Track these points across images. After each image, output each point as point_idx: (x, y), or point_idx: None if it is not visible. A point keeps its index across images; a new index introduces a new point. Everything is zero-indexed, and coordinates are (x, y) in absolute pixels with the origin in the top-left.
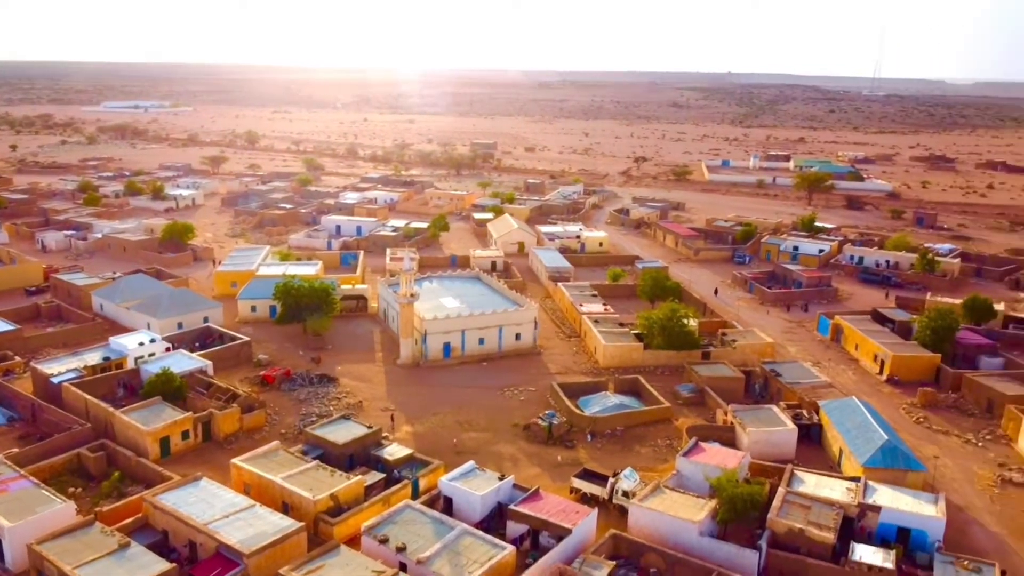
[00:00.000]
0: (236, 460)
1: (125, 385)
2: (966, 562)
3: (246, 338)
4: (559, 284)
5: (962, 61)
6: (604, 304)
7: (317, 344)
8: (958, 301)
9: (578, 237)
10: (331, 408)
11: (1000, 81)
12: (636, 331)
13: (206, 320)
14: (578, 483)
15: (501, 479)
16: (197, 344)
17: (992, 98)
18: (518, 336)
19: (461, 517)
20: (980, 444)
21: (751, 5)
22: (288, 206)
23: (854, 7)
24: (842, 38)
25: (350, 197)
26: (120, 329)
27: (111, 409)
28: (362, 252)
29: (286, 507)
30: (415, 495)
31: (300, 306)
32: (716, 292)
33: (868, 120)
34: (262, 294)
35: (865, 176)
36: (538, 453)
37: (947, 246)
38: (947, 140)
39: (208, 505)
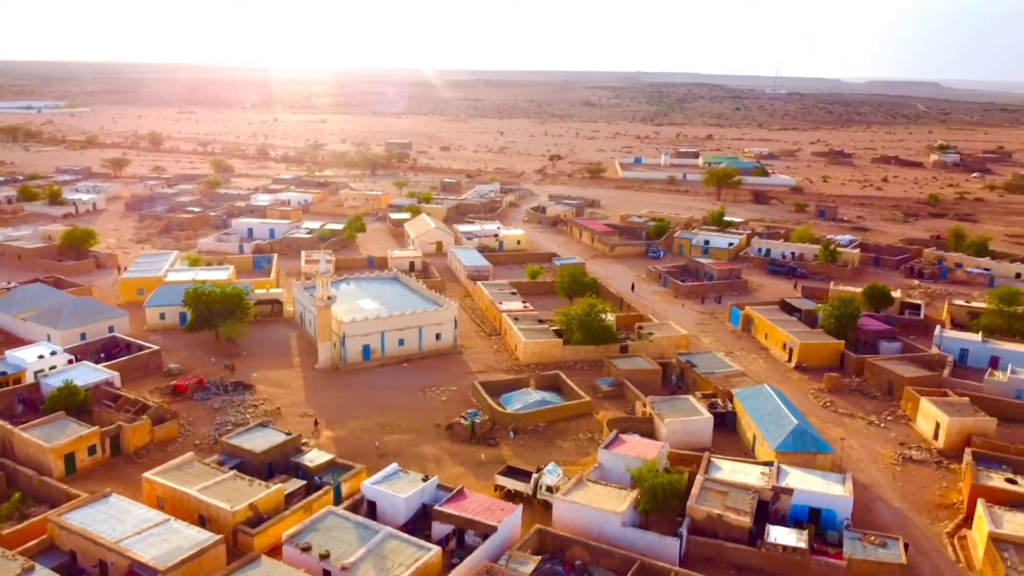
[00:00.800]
0: (148, 474)
1: (24, 401)
2: (872, 537)
3: (155, 347)
4: (478, 283)
5: (856, 61)
6: (523, 302)
7: (231, 351)
8: (859, 289)
9: (496, 236)
10: (248, 416)
11: (892, 80)
12: (556, 327)
13: (111, 330)
14: (502, 480)
15: (425, 480)
16: (102, 355)
17: (884, 96)
18: (438, 336)
19: (385, 521)
20: (882, 425)
21: (660, 5)
22: (197, 209)
23: (757, 8)
24: (745, 38)
25: (262, 199)
26: (17, 342)
27: (9, 427)
28: (276, 255)
29: (203, 520)
30: (337, 501)
31: (212, 312)
32: (633, 287)
33: (771, 117)
34: (171, 301)
35: (770, 171)
36: (461, 452)
37: (847, 237)
38: (845, 136)
39: (119, 522)
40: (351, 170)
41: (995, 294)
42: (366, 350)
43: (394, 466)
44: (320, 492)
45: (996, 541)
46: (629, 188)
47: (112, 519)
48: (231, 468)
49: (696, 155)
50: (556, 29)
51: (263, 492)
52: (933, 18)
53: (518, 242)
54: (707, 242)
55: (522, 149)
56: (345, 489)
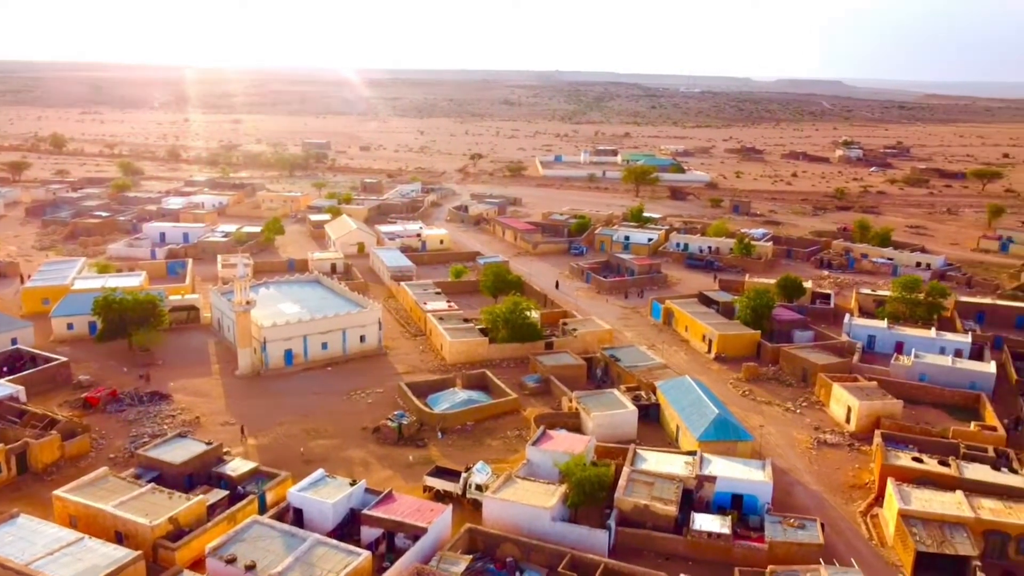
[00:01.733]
0: (59, 491)
1: None
2: (792, 520)
3: (63, 358)
4: (402, 283)
5: (764, 61)
6: (448, 301)
7: (146, 360)
8: (772, 281)
9: (419, 235)
10: (165, 427)
11: (798, 79)
12: (481, 326)
13: (14, 342)
14: (431, 481)
15: (352, 484)
16: (5, 368)
17: (792, 94)
18: (362, 338)
19: (313, 527)
20: (798, 411)
21: (575, 5)
22: (104, 214)
23: (668, 8)
24: (659, 38)
25: (174, 202)
26: None
27: None
28: (190, 260)
29: (120, 537)
30: (262, 510)
31: (124, 321)
32: (557, 285)
33: (686, 115)
34: (79, 310)
35: (686, 168)
36: (389, 455)
37: (760, 231)
38: (756, 133)
39: (28, 543)
40: (268, 171)
41: (898, 282)
42: (288, 355)
43: (320, 472)
44: (244, 502)
45: (905, 517)
46: (550, 186)
47: (21, 541)
48: (149, 481)
49: (615, 153)
50: (473, 28)
51: (183, 504)
52: (836, 20)
53: (441, 241)
54: (627, 238)
55: (443, 148)
56: (270, 497)
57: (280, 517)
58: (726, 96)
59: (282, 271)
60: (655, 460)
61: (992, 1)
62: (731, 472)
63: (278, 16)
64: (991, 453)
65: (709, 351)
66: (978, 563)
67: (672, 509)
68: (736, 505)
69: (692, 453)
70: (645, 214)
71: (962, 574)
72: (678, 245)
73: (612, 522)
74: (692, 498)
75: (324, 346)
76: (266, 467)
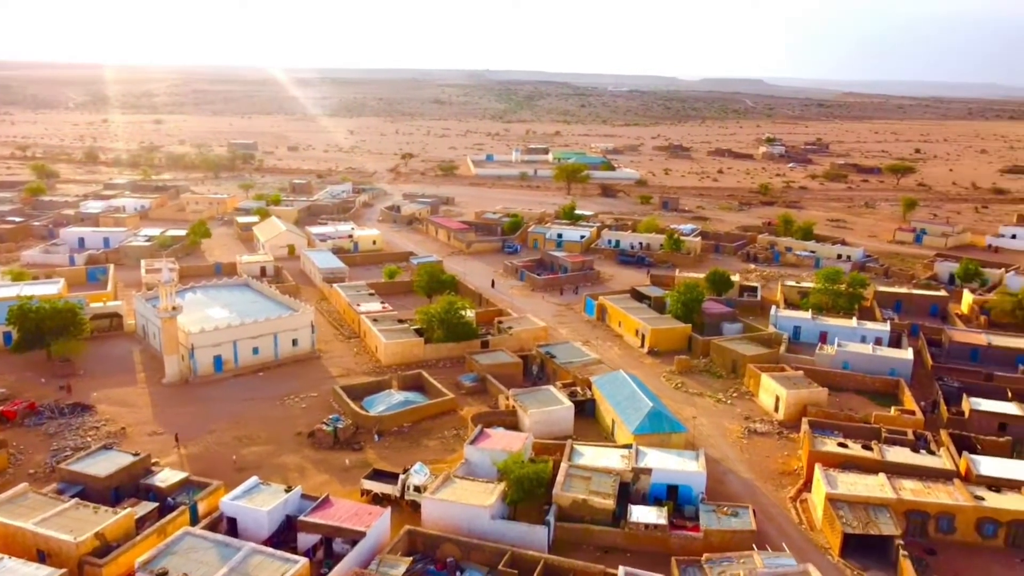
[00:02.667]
0: None
1: None
2: (725, 508)
3: None
4: (334, 285)
5: (689, 60)
6: (382, 302)
7: (66, 370)
8: (702, 275)
9: (350, 236)
10: (89, 439)
11: (722, 78)
12: (416, 327)
13: None
14: (368, 484)
15: (288, 491)
16: None
17: (716, 93)
18: (295, 342)
19: (248, 536)
20: (729, 402)
21: (504, 4)
22: (17, 219)
23: (595, 8)
24: (588, 37)
25: (93, 206)
26: None
27: None
28: (112, 266)
29: (42, 556)
30: (194, 521)
31: (41, 330)
32: (493, 284)
33: (615, 114)
34: None
35: (616, 166)
36: (325, 459)
37: (689, 226)
38: (683, 131)
39: None
40: (192, 173)
41: (820, 274)
42: (217, 361)
43: (254, 479)
44: (174, 513)
45: (832, 501)
46: (482, 185)
47: None
48: (72, 496)
49: (546, 151)
50: (402, 27)
51: (110, 519)
52: (757, 20)
53: (374, 242)
54: (560, 236)
55: (373, 148)
56: (202, 508)
57: (213, 527)
58: (653, 95)
59: (209, 275)
60: (592, 455)
61: (904, 5)
62: (666, 464)
63: (200, 13)
64: (910, 436)
65: (642, 345)
66: (901, 542)
67: (609, 502)
68: (671, 496)
69: (628, 446)
70: (577, 212)
71: (886, 553)
72: (610, 242)
73: (551, 518)
74: (629, 490)
75: (255, 351)
76: (197, 477)
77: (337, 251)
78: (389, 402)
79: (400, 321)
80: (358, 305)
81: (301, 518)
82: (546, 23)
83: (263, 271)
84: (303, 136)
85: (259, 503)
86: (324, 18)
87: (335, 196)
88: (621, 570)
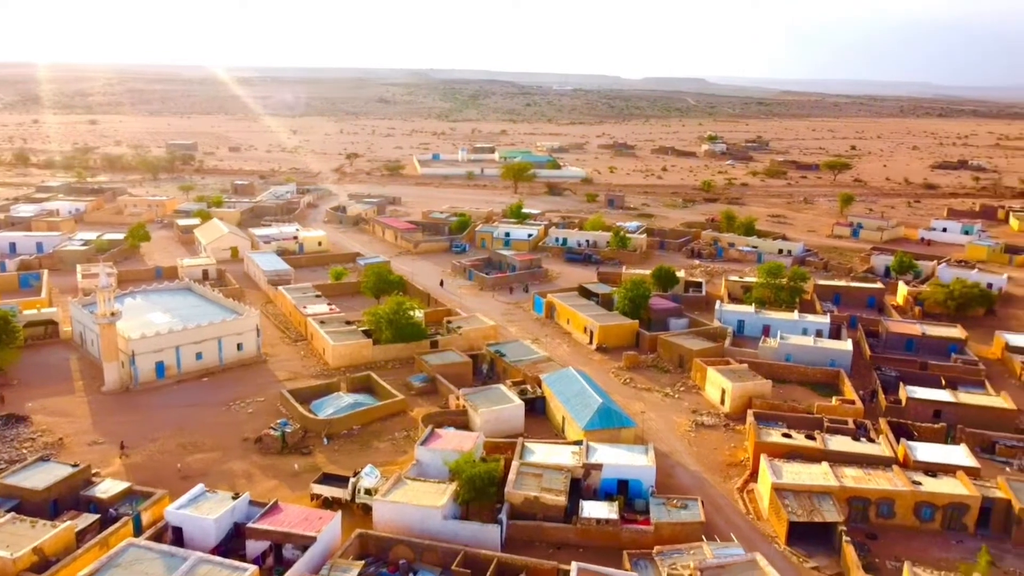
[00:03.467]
0: None
1: None
2: (675, 501)
3: None
4: (280, 288)
5: (632, 59)
6: (329, 304)
7: None
8: (648, 272)
9: (295, 238)
10: (24, 451)
11: (664, 77)
12: (364, 328)
13: None
14: (318, 488)
15: (235, 498)
16: None
17: (659, 92)
18: (240, 346)
19: (194, 546)
20: (676, 396)
21: (449, 4)
22: None
23: (538, 8)
24: (531, 37)
25: (24, 210)
26: None
27: None
28: (46, 271)
29: None
30: (138, 532)
31: None
32: (442, 283)
33: (560, 112)
34: None
35: (562, 164)
36: (273, 465)
37: (635, 224)
38: (627, 129)
39: None
40: (129, 175)
41: (763, 269)
42: (160, 367)
43: (200, 487)
44: (117, 525)
45: (778, 491)
46: (429, 184)
47: None
48: (8, 511)
49: (492, 150)
50: (345, 25)
51: (49, 532)
52: (698, 20)
53: (319, 243)
54: (508, 234)
55: (317, 148)
56: (146, 518)
57: (158, 538)
58: (597, 94)
59: (149, 279)
60: (543, 452)
61: (837, 7)
62: (616, 459)
63: (137, 10)
64: (851, 425)
65: (591, 342)
66: (844, 528)
67: (561, 499)
68: (622, 490)
69: (578, 442)
70: (524, 210)
71: (830, 539)
72: (557, 240)
73: (503, 516)
74: (580, 486)
75: (199, 356)
76: (140, 486)
77: (282, 253)
78: (338, 405)
79: (348, 323)
80: (304, 307)
81: (249, 525)
82: (490, 22)
83: (205, 274)
84: (245, 136)
85: (205, 511)
86: (264, 16)
87: (279, 197)
88: (573, 566)
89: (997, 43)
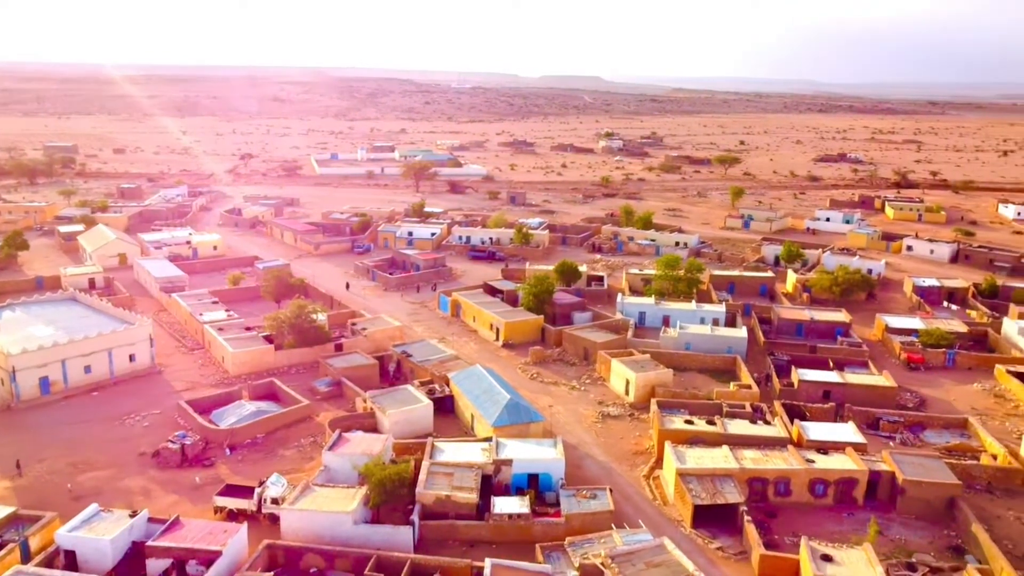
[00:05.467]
0: None
1: None
2: (584, 492)
3: None
4: (173, 295)
5: (529, 57)
6: (227, 310)
7: None
8: (551, 267)
9: (189, 243)
10: None
11: (561, 75)
12: (265, 333)
13: None
14: (221, 501)
15: (133, 516)
16: None
17: (556, 89)
18: (132, 357)
19: (89, 569)
20: (582, 388)
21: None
22: None
23: (435, 5)
24: (428, 34)
25: None
26: None
27: None
28: None
29: None
30: (26, 558)
31: None
32: (348, 286)
33: (459, 110)
34: None
35: (463, 162)
36: (173, 479)
37: (537, 220)
38: (526, 127)
39: None
40: (3, 179)
41: (661, 261)
42: (44, 383)
43: (94, 507)
44: (3, 552)
45: (682, 476)
46: (328, 184)
47: None
48: None
49: (392, 149)
50: (233, 22)
51: None
52: (593, 18)
53: (214, 247)
54: (411, 233)
55: (209, 148)
56: (35, 543)
57: (49, 563)
58: (496, 92)
59: (30, 291)
60: (453, 450)
61: (722, 7)
62: (525, 453)
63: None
64: (748, 409)
65: (497, 339)
66: (744, 508)
67: (472, 496)
68: (532, 484)
69: (488, 439)
70: (427, 209)
71: (732, 520)
72: (460, 238)
73: (415, 517)
74: (491, 483)
75: (87, 369)
76: (27, 510)
77: (175, 258)
78: (240, 413)
79: (248, 328)
80: (201, 314)
81: (149, 543)
82: (387, 19)
83: (92, 283)
84: (131, 137)
85: (100, 532)
86: (148, 12)
87: (169, 200)
88: (487, 562)
89: (872, 44)
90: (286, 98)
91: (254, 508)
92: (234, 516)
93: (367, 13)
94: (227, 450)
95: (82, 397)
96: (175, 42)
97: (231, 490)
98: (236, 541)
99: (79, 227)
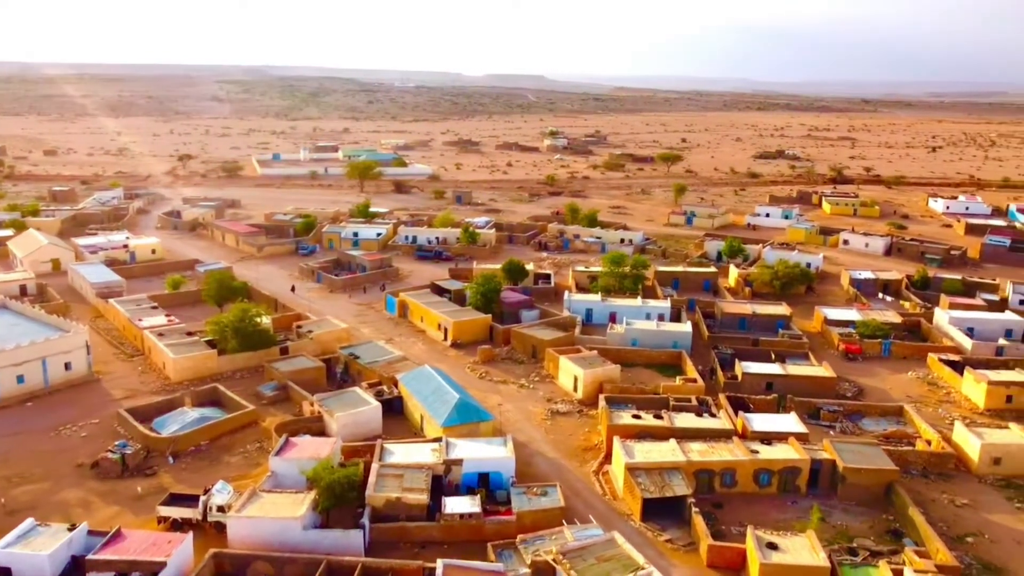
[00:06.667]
0: None
1: None
2: (535, 489)
3: None
4: (110, 300)
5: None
6: (167, 315)
7: None
8: (498, 266)
9: (126, 246)
10: None
11: (505, 74)
12: (207, 338)
13: None
14: (165, 510)
15: (71, 529)
16: None
17: (500, 88)
18: (68, 366)
19: None
20: (531, 386)
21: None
22: None
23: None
24: (371, 32)
25: None
26: None
27: None
28: None
29: None
30: None
31: None
32: (293, 289)
33: (403, 110)
34: None
35: (408, 162)
36: (114, 490)
37: (483, 219)
38: (471, 125)
39: None
40: None
41: (606, 258)
42: None
43: (29, 522)
44: None
45: (631, 470)
46: (270, 185)
47: None
48: None
49: (335, 149)
50: (172, 19)
51: None
52: (535, 18)
53: (153, 251)
54: (356, 234)
55: (146, 149)
56: None
57: None
58: (440, 91)
59: None
60: (403, 452)
61: (661, 8)
62: (476, 453)
63: None
64: (694, 402)
65: (445, 339)
66: (692, 500)
67: (423, 497)
68: (483, 483)
69: (438, 440)
70: (372, 209)
71: (681, 512)
72: (407, 238)
73: (366, 520)
74: (442, 483)
75: (20, 379)
76: None
77: (111, 263)
78: (183, 421)
79: (189, 334)
80: (140, 320)
81: (90, 557)
82: (328, 17)
83: (23, 290)
84: (62, 138)
85: (37, 547)
86: (79, 9)
87: (105, 203)
88: (439, 563)
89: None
90: (225, 98)
91: (199, 517)
92: (179, 526)
93: (307, 11)
94: (170, 458)
95: (15, 408)
96: (108, 40)
97: (175, 499)
98: (181, 551)
99: (8, 232)
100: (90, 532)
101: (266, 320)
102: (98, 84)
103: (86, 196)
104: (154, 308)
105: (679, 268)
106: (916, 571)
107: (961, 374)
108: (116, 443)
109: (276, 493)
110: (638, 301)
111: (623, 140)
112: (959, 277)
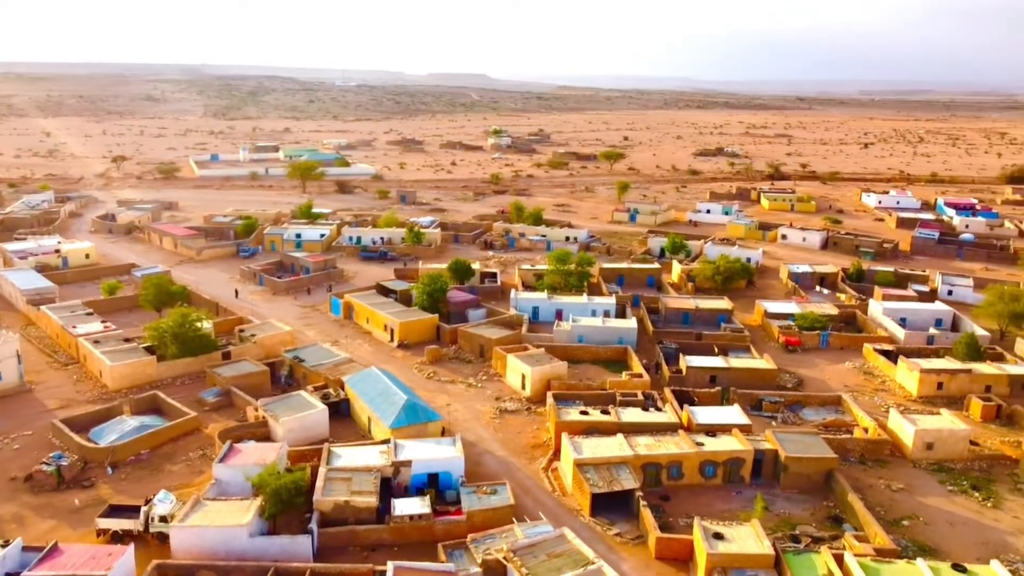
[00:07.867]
0: None
1: None
2: (484, 488)
3: None
4: (42, 308)
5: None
6: (103, 321)
7: None
8: (444, 266)
9: (58, 251)
10: None
11: (448, 72)
12: (146, 344)
13: None
14: (105, 523)
15: (5, 546)
16: None
17: (443, 87)
18: None
19: None
20: (479, 385)
21: None
22: None
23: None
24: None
25: None
26: None
27: None
28: None
29: None
30: None
31: None
32: (237, 294)
33: (345, 109)
34: None
35: (351, 162)
36: (49, 503)
37: (428, 219)
38: (414, 125)
39: None
40: None
41: (552, 256)
42: None
43: None
44: None
45: (580, 466)
46: (209, 187)
47: None
48: None
49: (276, 149)
50: (101, 16)
51: None
52: (476, 16)
53: (87, 256)
54: (299, 235)
55: (77, 151)
56: None
57: None
58: (382, 89)
59: None
60: (350, 455)
61: (603, 8)
62: (424, 453)
63: None
64: (640, 397)
65: (392, 340)
66: (640, 493)
67: (372, 500)
68: (433, 484)
69: (386, 441)
70: (315, 210)
71: (629, 506)
72: (351, 239)
73: (314, 525)
74: (391, 485)
75: None
76: None
77: (42, 269)
78: (122, 430)
79: (127, 340)
80: (74, 327)
81: (25, 574)
82: (264, 14)
83: None
84: None
85: None
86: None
87: (34, 207)
88: (389, 565)
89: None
90: (160, 97)
91: (141, 528)
92: (119, 538)
93: (244, 10)
94: (109, 469)
95: None
96: (35, 38)
97: (115, 510)
98: (123, 564)
99: None
100: (25, 548)
101: (207, 324)
102: (24, 83)
103: (14, 200)
104: (89, 315)
105: (623, 265)
106: (856, 555)
107: (895, 363)
108: (51, 455)
109: (221, 501)
110: (584, 298)
111: (566, 138)
112: (892, 269)
